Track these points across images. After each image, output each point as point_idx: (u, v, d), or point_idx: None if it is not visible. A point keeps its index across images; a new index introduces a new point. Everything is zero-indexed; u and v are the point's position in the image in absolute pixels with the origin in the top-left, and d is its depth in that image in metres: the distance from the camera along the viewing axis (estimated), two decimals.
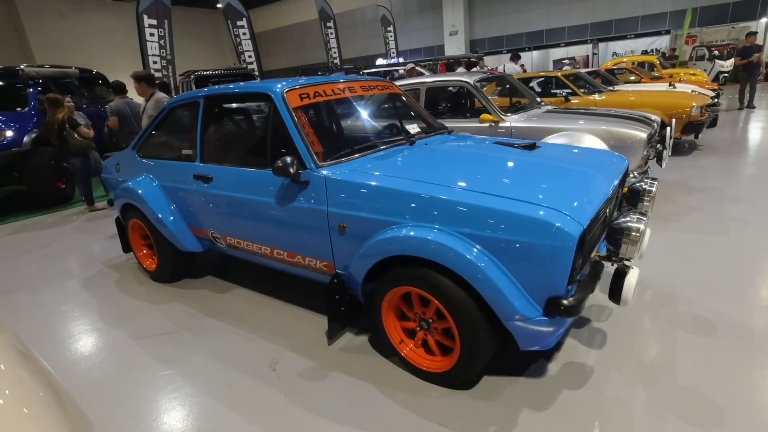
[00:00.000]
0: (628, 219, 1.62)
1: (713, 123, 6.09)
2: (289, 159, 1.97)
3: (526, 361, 1.96)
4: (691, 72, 12.01)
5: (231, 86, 2.55)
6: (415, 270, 1.72)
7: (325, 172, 1.99)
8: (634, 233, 1.59)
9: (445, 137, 2.67)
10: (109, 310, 2.80)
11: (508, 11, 20.47)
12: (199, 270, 3.24)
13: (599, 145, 3.62)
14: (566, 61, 16.41)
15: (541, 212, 1.49)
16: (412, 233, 1.67)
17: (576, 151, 2.41)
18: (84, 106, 7.50)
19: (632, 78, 9.98)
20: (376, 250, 1.78)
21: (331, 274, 2.13)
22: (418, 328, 1.88)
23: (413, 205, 1.71)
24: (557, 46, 20.07)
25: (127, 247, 3.37)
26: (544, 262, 1.48)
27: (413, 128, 2.57)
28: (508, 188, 1.69)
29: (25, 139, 5.73)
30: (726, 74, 15.64)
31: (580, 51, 19.19)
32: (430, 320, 1.82)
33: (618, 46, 18.95)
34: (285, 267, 2.38)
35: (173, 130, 3.08)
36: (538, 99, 4.79)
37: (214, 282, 3.05)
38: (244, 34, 10.78)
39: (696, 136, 5.77)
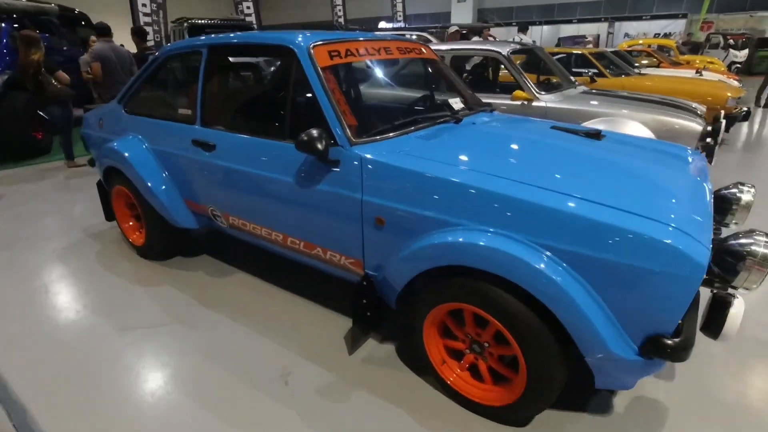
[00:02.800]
0: (752, 241, 1.30)
1: (746, 116, 5.74)
2: (316, 132, 1.57)
3: (584, 392, 1.67)
4: (709, 60, 11.59)
5: (242, 35, 2.10)
6: (475, 284, 1.38)
7: (361, 152, 1.61)
8: (761, 260, 1.27)
9: (490, 116, 2.29)
10: (89, 289, 2.42)
11: None
12: (193, 247, 2.86)
13: (646, 134, 3.27)
14: (589, 38, 15.71)
15: (664, 232, 1.15)
16: (478, 241, 1.32)
17: (649, 144, 2.05)
18: (64, 49, 6.82)
19: (644, 62, 9.49)
20: (428, 255, 1.43)
21: (357, 273, 1.78)
22: (467, 351, 1.56)
23: (481, 203, 1.35)
24: (569, 22, 19.28)
25: (110, 215, 2.96)
26: (658, 294, 1.15)
27: (456, 103, 2.18)
28: (604, 192, 1.33)
29: None
30: (738, 65, 15.13)
31: (591, 29, 18.47)
32: (486, 344, 1.50)
33: (631, 27, 18.28)
34: (300, 258, 2.02)
35: (168, 84, 2.62)
36: (572, 78, 4.38)
37: (210, 263, 2.68)
38: None
39: (727, 130, 5.44)
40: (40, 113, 5.07)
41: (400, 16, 15.85)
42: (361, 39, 2.01)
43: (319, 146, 1.57)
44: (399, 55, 2.15)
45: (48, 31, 6.54)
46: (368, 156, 1.58)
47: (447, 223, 1.41)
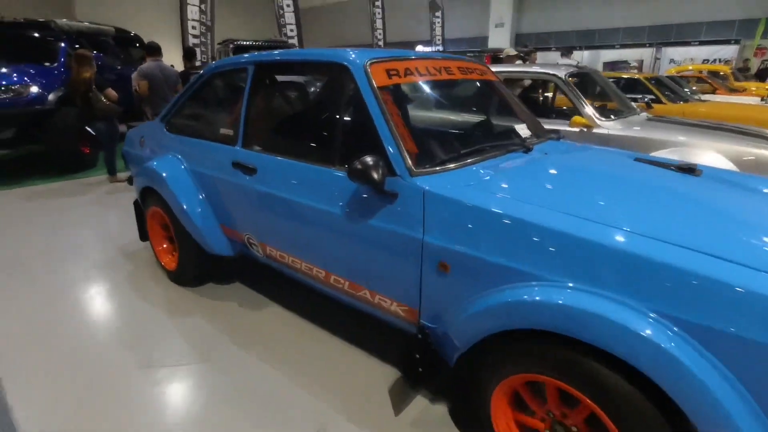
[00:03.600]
0: None
1: None
2: (371, 160, 1.37)
3: None
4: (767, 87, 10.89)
5: (291, 52, 1.96)
6: (565, 354, 1.11)
7: (423, 184, 1.39)
8: None
9: (561, 144, 2.03)
10: (116, 317, 2.29)
11: (560, 6, 19.22)
12: (225, 273, 2.69)
13: (726, 165, 2.92)
14: (634, 64, 15.27)
15: None
16: (570, 301, 1.06)
17: (755, 182, 1.74)
18: (118, 68, 7.08)
19: (694, 87, 8.96)
20: (503, 314, 1.17)
21: (410, 323, 1.54)
22: None
23: (574, 255, 1.10)
24: (611, 47, 18.82)
25: (144, 235, 2.85)
26: None
27: (522, 129, 1.94)
28: (728, 245, 1.06)
29: (51, 96, 5.27)
30: None
31: (634, 54, 17.94)
32: (573, 429, 1.21)
33: (676, 53, 17.64)
34: (343, 298, 1.80)
35: (211, 103, 2.52)
36: (633, 104, 4.06)
37: (243, 293, 2.50)
38: (288, 6, 10.18)
39: None
40: (88, 129, 5.20)
41: (438, 39, 15.91)
42: (419, 57, 1.82)
43: (375, 176, 1.36)
44: (460, 75, 1.94)
45: (103, 50, 6.81)
46: (432, 189, 1.36)
47: (529, 276, 1.16)
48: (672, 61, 17.24)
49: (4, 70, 5.21)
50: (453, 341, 1.36)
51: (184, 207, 2.24)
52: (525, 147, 1.77)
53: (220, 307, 2.35)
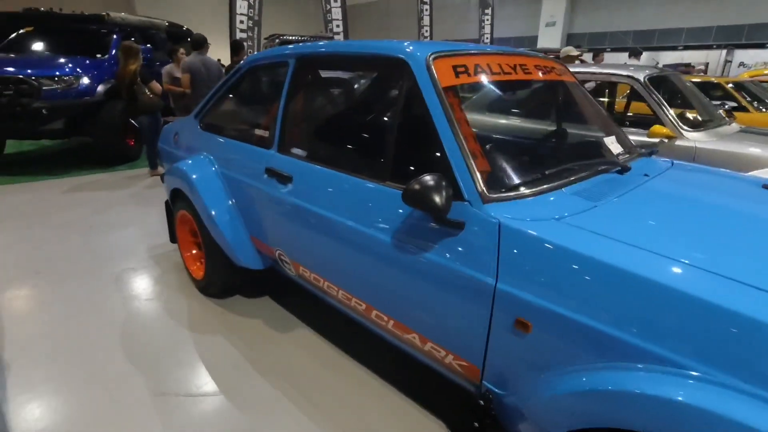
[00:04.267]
0: None
1: None
2: (432, 180, 1.08)
3: None
4: None
5: (339, 44, 1.69)
6: None
7: (499, 214, 1.08)
8: None
9: (657, 163, 1.66)
10: (134, 331, 2.10)
11: (617, 5, 18.10)
12: (254, 285, 2.47)
13: None
14: (701, 66, 14.17)
15: None
16: (724, 410, 0.73)
17: None
18: (169, 61, 7.14)
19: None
20: (617, 408, 0.85)
21: (468, 380, 1.24)
22: None
23: (728, 336, 0.76)
24: (674, 49, 17.52)
25: (174, 237, 2.69)
26: None
27: (612, 143, 1.58)
28: None
29: (99, 88, 5.32)
30: None
31: (698, 57, 16.59)
32: None
33: (747, 55, 16.16)
34: (385, 336, 1.52)
35: (248, 100, 2.30)
36: (721, 112, 3.54)
37: (272, 310, 2.27)
38: (335, 1, 10.02)
39: None
40: (132, 121, 5.21)
41: (487, 38, 15.34)
42: (490, 52, 1.51)
43: (437, 200, 1.07)
44: (537, 75, 1.61)
45: (154, 44, 6.87)
46: (511, 223, 1.05)
47: (653, 357, 0.83)
48: (742, 64, 15.85)
49: (57, 61, 5.31)
50: (527, 421, 1.05)
51: (213, 214, 2.03)
52: (620, 166, 1.42)
53: (245, 327, 2.12)
